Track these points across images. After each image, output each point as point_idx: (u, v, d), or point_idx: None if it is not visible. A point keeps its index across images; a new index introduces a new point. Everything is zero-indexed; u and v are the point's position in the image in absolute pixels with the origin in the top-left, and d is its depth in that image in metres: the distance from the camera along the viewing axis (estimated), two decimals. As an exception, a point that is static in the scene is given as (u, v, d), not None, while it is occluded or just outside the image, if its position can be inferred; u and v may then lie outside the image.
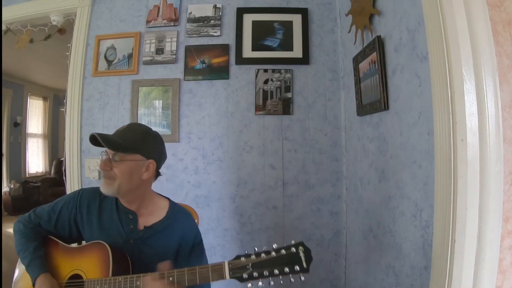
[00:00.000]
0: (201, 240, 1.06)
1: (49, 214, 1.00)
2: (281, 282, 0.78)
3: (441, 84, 0.80)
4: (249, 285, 0.77)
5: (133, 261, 0.94)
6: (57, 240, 1.00)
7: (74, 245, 1.03)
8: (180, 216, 1.04)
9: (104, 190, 0.93)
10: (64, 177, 1.87)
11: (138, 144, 0.94)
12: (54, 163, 5.39)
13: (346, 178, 1.74)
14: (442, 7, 0.80)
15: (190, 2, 1.87)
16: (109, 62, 1.86)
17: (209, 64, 1.81)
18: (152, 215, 1.01)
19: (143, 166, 0.95)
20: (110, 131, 1.81)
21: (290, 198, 1.77)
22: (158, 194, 1.08)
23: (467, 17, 0.78)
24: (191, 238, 1.03)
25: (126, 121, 1.83)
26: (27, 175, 5.23)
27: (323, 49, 1.82)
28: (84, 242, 1.02)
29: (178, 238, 1.00)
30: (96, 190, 1.01)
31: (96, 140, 0.89)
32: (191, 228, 1.04)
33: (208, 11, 1.85)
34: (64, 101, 1.92)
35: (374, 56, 1.23)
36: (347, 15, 1.50)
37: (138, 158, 0.94)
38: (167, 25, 1.86)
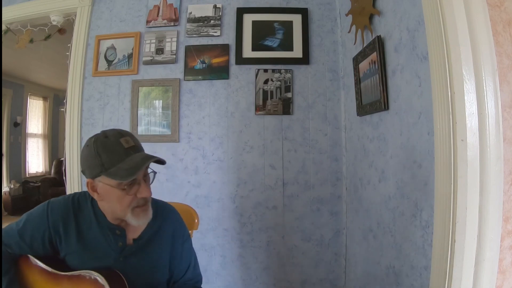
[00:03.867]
0: (189, 235, 1.01)
1: (18, 244, 0.85)
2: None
3: (441, 84, 0.80)
4: None
5: (127, 278, 0.84)
6: (39, 265, 0.85)
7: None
8: (165, 214, 0.95)
9: (144, 220, 0.83)
10: (64, 177, 1.87)
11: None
12: (54, 163, 5.39)
13: (346, 178, 1.74)
14: (442, 7, 0.80)
15: (190, 2, 1.87)
16: (109, 62, 1.87)
17: (209, 64, 1.81)
18: None
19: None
20: (110, 131, 1.84)
21: (290, 198, 1.77)
22: None
23: (467, 17, 0.78)
24: (182, 234, 0.96)
25: (126, 121, 1.83)
26: (27, 175, 5.23)
27: (323, 49, 1.82)
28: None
29: (170, 239, 0.93)
30: (66, 202, 0.88)
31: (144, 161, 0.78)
32: (180, 224, 0.97)
33: (208, 11, 1.85)
34: (64, 101, 1.92)
35: (374, 56, 1.23)
36: (347, 15, 1.50)
37: None
38: (167, 25, 1.86)
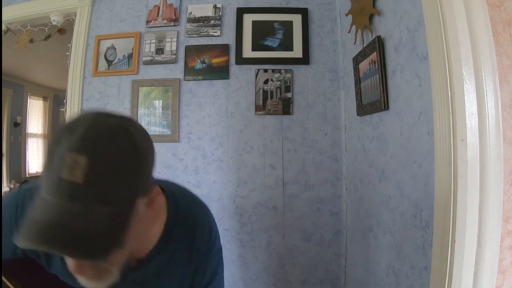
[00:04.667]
0: (221, 248, 0.75)
1: None
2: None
3: (441, 84, 0.80)
4: None
5: None
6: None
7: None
8: (187, 227, 0.68)
9: (89, 285, 0.52)
10: (64, 177, 1.87)
11: (133, 185, 0.48)
12: (54, 163, 5.39)
13: (346, 178, 1.74)
14: (442, 7, 0.80)
15: (190, 2, 1.87)
16: (109, 62, 1.86)
17: (209, 64, 1.81)
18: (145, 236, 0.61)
19: (145, 203, 0.53)
20: (110, 131, 1.84)
21: (290, 198, 1.77)
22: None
23: (467, 17, 0.78)
24: (209, 248, 0.71)
25: (126, 121, 1.82)
26: (27, 175, 5.23)
27: (323, 49, 1.82)
28: None
29: (190, 254, 0.68)
30: None
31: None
32: (210, 232, 0.72)
33: (208, 11, 1.85)
34: (64, 101, 1.92)
35: (374, 56, 1.23)
36: (347, 15, 1.50)
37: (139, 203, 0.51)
38: (167, 25, 1.86)
